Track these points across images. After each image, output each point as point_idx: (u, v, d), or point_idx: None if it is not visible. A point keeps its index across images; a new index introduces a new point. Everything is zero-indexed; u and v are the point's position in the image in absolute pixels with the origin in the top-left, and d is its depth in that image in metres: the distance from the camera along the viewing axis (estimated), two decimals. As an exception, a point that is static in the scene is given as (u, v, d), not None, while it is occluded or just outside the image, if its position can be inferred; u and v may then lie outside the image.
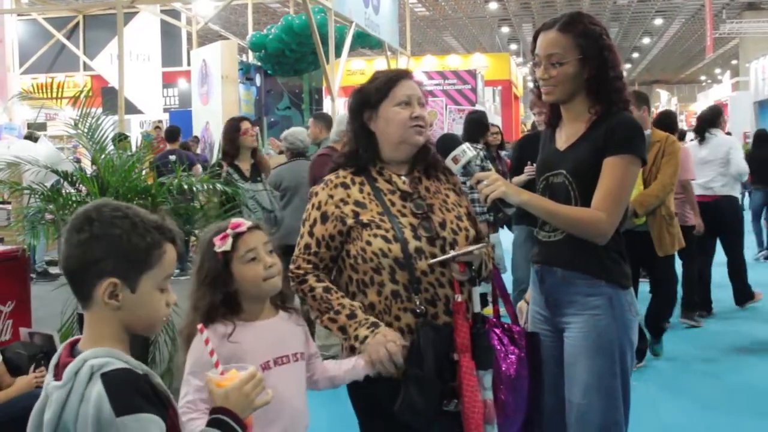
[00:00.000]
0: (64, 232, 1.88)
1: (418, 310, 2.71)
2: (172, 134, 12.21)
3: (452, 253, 2.73)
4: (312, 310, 2.82)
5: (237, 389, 1.96)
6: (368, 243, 2.75)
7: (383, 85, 2.89)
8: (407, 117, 2.84)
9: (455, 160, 2.86)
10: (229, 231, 2.59)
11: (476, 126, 8.01)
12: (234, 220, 2.63)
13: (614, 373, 2.90)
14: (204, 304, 2.58)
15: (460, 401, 2.71)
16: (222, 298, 2.60)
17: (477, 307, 2.85)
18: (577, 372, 2.92)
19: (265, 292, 2.64)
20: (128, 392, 1.76)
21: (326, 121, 9.29)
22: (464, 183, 3.18)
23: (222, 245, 2.58)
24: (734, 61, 43.06)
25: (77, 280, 1.87)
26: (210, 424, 1.92)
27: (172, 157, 10.76)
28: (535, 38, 3.04)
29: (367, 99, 2.91)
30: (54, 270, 11.03)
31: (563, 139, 3.07)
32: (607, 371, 2.89)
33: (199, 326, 2.15)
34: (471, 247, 2.75)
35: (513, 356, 2.87)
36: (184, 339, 2.61)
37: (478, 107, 20.76)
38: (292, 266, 2.85)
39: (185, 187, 5.45)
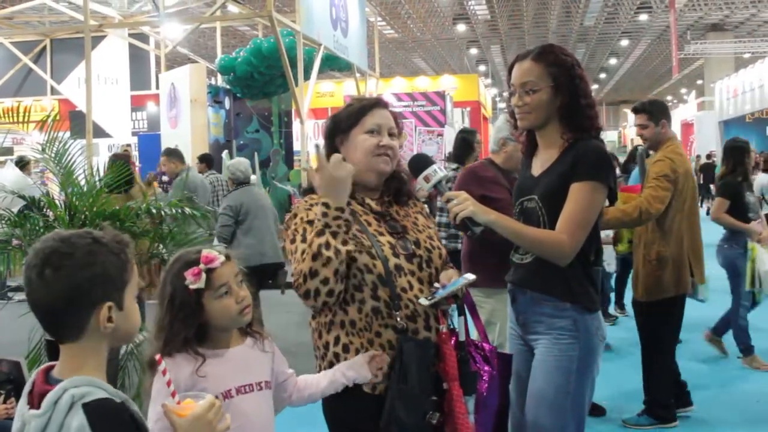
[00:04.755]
0: (34, 275, 1.83)
1: (398, 326, 2.74)
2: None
3: (442, 292, 2.76)
4: (321, 256, 2.62)
5: (200, 418, 1.93)
6: (353, 259, 2.75)
7: (355, 112, 2.95)
8: (374, 145, 2.89)
9: (426, 179, 2.95)
10: (201, 266, 2.51)
11: (465, 146, 7.36)
12: (205, 253, 2.54)
13: (567, 392, 2.97)
14: (179, 339, 2.51)
15: (450, 428, 2.74)
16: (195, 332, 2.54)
17: (463, 336, 2.92)
18: (534, 385, 3.03)
19: (237, 324, 2.61)
20: (110, 423, 1.75)
21: (178, 155, 9.66)
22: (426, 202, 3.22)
23: (196, 282, 2.49)
24: (699, 81, 43.68)
25: (65, 316, 1.84)
26: None
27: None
28: (510, 70, 3.17)
29: (339, 125, 2.97)
30: (19, 296, 10.89)
31: (538, 165, 3.18)
32: (561, 388, 2.97)
33: (157, 357, 2.09)
34: (462, 281, 2.78)
35: (485, 374, 2.94)
36: (149, 367, 2.53)
37: (447, 128, 20.81)
38: (294, 274, 2.75)
39: (153, 211, 5.42)
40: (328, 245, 2.62)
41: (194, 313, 2.52)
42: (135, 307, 1.94)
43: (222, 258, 2.55)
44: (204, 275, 2.51)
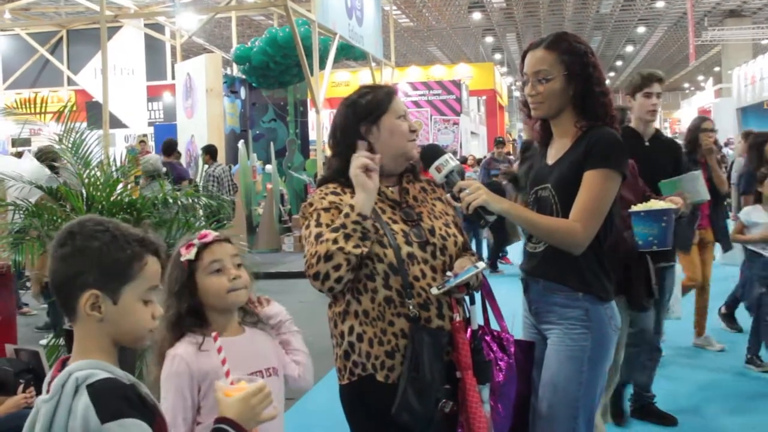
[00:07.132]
0: (50, 248, 1.90)
1: (411, 315, 2.74)
2: (169, 147, 12.20)
3: (454, 281, 2.75)
4: (338, 255, 2.67)
5: (243, 400, 1.97)
6: None
7: (384, 98, 2.92)
8: (407, 129, 2.91)
9: (438, 169, 2.93)
10: (195, 241, 2.61)
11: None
12: (203, 231, 2.65)
13: (579, 382, 2.97)
14: (170, 314, 2.57)
15: (464, 417, 2.75)
16: (188, 309, 2.59)
17: (476, 325, 2.90)
18: (546, 375, 3.02)
19: (229, 304, 2.64)
20: (112, 399, 1.78)
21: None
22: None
23: (186, 254, 2.59)
24: (717, 68, 43.36)
25: (62, 294, 1.89)
26: None
27: (164, 169, 10.90)
28: (523, 58, 3.15)
29: (367, 112, 2.91)
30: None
31: (552, 154, 3.17)
32: (572, 378, 2.97)
33: (213, 334, 2.16)
34: (473, 270, 2.77)
35: (502, 363, 2.93)
36: (158, 354, 2.58)
37: (462, 117, 20.78)
38: (306, 255, 2.77)
39: (170, 200, 5.44)
40: (338, 241, 2.67)
41: (187, 288, 2.59)
42: (139, 309, 1.92)
43: (215, 234, 2.65)
44: (195, 249, 2.60)
